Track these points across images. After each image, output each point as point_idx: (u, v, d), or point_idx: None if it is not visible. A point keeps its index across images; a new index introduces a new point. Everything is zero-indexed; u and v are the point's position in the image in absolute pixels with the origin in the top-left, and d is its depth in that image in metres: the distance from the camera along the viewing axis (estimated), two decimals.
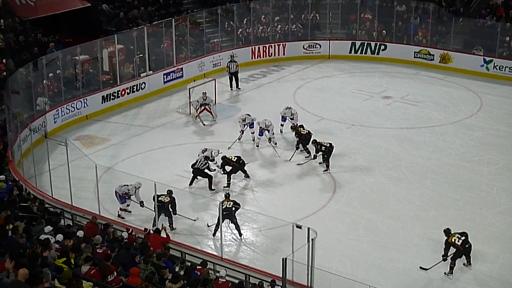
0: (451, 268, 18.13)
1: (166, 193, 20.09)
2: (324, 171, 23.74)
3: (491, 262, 18.81)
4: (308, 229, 15.82)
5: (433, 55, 35.22)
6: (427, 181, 23.30)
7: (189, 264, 17.44)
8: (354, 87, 32.55)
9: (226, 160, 22.90)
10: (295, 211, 21.11)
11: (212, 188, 22.56)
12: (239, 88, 32.17)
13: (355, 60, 36.25)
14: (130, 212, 20.93)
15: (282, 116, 26.48)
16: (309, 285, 16.11)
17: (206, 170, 22.46)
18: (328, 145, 23.77)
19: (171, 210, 20.12)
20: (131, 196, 20.72)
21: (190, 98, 28.89)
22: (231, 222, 19.71)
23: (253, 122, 25.86)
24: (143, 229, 19.07)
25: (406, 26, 36.59)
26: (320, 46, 36.77)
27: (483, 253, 19.04)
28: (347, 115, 28.92)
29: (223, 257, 18.31)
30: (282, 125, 26.60)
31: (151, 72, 31.49)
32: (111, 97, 29.62)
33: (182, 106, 29.81)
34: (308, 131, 24.93)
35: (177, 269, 16.16)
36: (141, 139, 26.91)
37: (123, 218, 20.61)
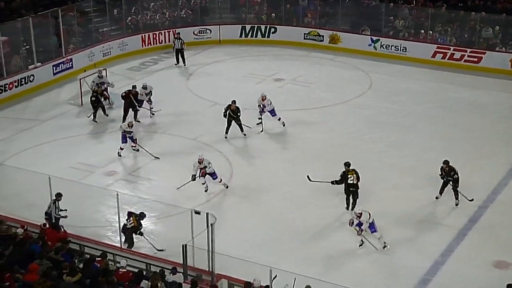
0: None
1: None
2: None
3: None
4: (207, 214, 15.92)
5: (323, 36, 35.75)
6: (319, 161, 23.67)
7: (88, 256, 17.22)
8: (246, 71, 32.72)
9: None
10: (192, 199, 21.06)
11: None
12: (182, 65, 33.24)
13: (246, 44, 36.41)
14: (137, 150, 23.90)
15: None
16: (210, 270, 16.20)
17: None
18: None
19: None
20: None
21: (81, 89, 28.45)
22: None
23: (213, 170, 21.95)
24: (40, 224, 18.63)
25: (295, 8, 37.01)
26: (211, 31, 36.73)
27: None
28: (240, 99, 28.83)
29: (123, 247, 18.16)
30: (260, 118, 26.22)
31: (40, 64, 30.77)
32: None
33: (74, 97, 29.28)
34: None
35: (76, 262, 15.94)
36: (31, 133, 26.25)
37: (121, 156, 23.66)
